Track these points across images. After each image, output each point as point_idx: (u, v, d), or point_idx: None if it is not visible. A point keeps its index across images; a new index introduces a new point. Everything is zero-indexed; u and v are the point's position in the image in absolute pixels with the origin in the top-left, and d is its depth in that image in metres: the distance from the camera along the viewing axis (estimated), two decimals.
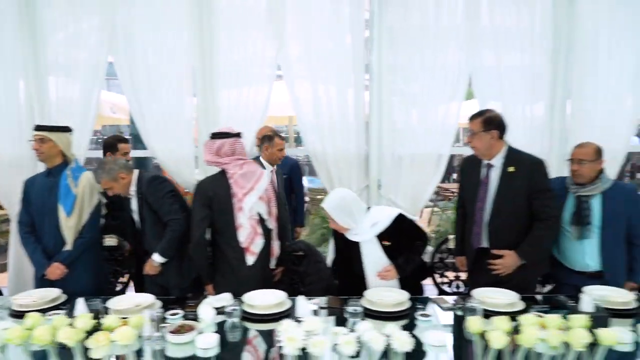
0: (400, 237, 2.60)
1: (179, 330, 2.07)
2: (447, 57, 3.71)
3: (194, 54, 3.75)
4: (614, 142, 3.72)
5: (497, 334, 1.82)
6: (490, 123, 2.59)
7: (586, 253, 2.68)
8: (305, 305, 2.11)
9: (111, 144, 3.68)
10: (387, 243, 2.58)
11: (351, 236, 2.60)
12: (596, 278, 2.64)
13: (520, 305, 2.31)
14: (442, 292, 3.27)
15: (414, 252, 2.65)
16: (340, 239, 2.67)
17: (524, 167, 2.59)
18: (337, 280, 2.81)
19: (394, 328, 1.77)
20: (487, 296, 2.34)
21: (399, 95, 3.79)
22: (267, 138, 3.71)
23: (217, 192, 2.55)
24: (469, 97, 4.21)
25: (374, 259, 2.58)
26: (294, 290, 3.02)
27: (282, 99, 4.41)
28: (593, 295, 2.24)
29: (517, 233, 2.59)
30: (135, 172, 2.88)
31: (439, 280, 3.32)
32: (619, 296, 2.34)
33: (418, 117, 3.79)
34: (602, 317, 1.94)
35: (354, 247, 2.60)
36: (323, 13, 3.72)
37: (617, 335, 1.72)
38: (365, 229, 2.56)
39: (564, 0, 3.66)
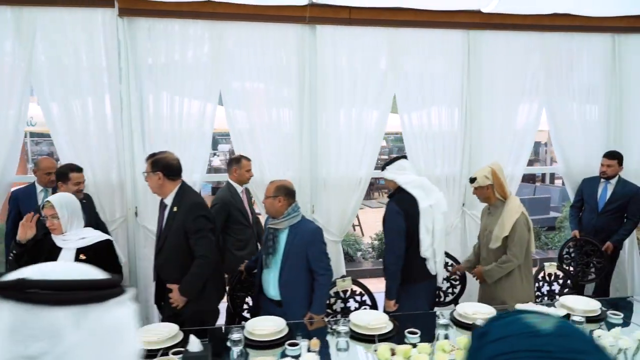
0: (98, 260, 2.67)
1: None
2: (195, 89, 3.84)
3: None
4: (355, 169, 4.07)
5: None
6: (156, 165, 2.72)
7: (270, 282, 2.87)
8: None
9: (63, 173, 3.38)
10: (83, 257, 2.65)
11: (59, 241, 2.66)
12: (279, 307, 2.83)
13: (176, 340, 2.45)
14: None
15: None
16: (47, 243, 2.69)
17: (184, 208, 2.73)
18: None
19: None
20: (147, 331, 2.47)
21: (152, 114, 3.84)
22: (235, 160, 3.80)
23: None
24: None
25: None
26: None
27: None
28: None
29: (180, 268, 2.72)
30: None
31: None
32: (261, 328, 2.54)
33: (170, 146, 3.87)
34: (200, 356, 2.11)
35: (54, 252, 2.64)
36: (75, 33, 3.69)
37: None
38: (74, 238, 2.65)
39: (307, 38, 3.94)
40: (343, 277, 3.15)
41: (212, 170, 12.74)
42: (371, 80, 4.07)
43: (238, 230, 3.80)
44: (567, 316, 2.63)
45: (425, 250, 2.93)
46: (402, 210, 2.92)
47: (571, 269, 4.36)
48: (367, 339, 2.48)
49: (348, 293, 3.21)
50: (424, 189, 3.00)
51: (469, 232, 4.33)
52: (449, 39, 4.15)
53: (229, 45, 3.83)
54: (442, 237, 3.02)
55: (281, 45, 3.91)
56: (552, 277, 3.50)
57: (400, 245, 2.92)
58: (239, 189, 3.82)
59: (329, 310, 3.16)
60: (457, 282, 3.68)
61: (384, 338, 2.51)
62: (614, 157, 4.31)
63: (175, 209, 2.72)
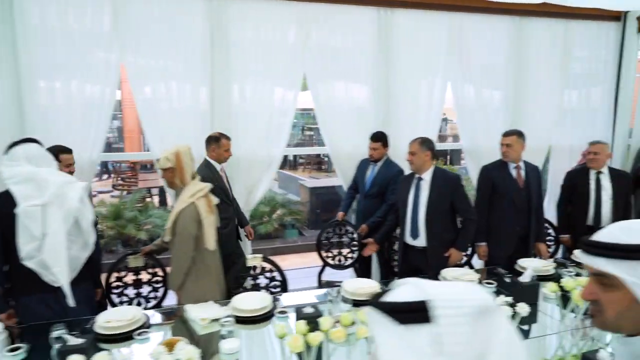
0: None
1: None
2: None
3: None
4: None
5: None
6: None
7: None
8: None
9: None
10: None
11: None
12: None
13: None
14: None
15: None
16: None
17: None
18: None
19: None
20: None
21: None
22: (214, 139, 3.78)
23: None
24: None
25: None
26: None
27: None
28: None
29: None
30: None
31: None
32: None
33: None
34: None
35: None
36: None
37: None
38: None
39: None
40: None
41: None
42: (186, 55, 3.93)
43: (222, 208, 3.51)
44: None
45: (26, 259, 2.43)
46: None
47: (329, 255, 4.29)
48: None
49: None
50: (37, 183, 2.48)
51: None
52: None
53: None
54: (63, 240, 2.47)
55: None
56: (258, 270, 3.34)
57: None
58: (218, 167, 3.81)
59: None
60: (160, 285, 3.41)
61: None
62: (378, 139, 4.17)
63: None
